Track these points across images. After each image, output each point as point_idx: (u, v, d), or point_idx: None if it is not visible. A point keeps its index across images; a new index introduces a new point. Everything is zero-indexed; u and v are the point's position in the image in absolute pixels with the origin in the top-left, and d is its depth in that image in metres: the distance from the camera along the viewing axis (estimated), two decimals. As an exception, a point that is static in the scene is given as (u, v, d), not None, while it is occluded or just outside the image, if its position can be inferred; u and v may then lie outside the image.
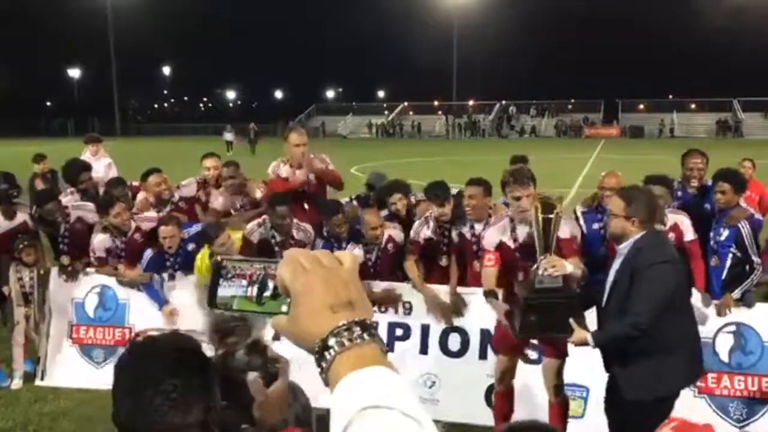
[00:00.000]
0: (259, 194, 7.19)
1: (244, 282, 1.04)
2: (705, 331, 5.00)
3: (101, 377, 6.28)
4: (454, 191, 5.95)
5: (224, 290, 1.05)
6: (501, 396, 4.93)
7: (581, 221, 5.82)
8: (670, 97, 72.78)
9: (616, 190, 5.64)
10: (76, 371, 6.41)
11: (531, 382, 5.01)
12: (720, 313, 5.10)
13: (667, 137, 57.77)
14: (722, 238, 5.39)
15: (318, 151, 7.01)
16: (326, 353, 0.88)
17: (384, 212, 6.11)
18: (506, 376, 4.85)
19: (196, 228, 6.22)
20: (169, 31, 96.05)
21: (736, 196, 5.47)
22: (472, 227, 5.57)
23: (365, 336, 0.89)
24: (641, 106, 68.69)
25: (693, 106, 66.71)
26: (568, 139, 56.38)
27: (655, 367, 3.75)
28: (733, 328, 5.12)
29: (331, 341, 0.88)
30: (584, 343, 3.89)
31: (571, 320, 3.96)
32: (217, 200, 6.94)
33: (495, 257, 4.55)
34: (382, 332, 5.70)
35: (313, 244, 5.83)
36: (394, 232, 5.83)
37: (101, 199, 6.60)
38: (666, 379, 3.78)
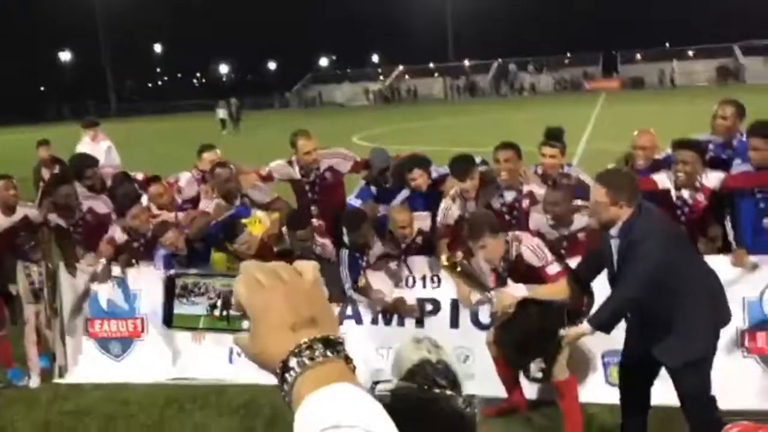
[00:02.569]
0: (260, 196, 6.37)
1: (209, 300, 1.00)
2: (750, 290, 4.79)
3: (121, 371, 6.13)
4: (478, 160, 5.69)
5: (185, 308, 1.01)
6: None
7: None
8: (667, 45, 71.84)
9: (649, 148, 5.42)
10: (96, 366, 6.23)
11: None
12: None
13: (668, 87, 57.17)
14: None
15: (317, 125, 6.74)
16: (287, 375, 0.83)
17: (404, 192, 5.79)
18: None
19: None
20: (158, 9, 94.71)
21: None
22: (501, 196, 5.31)
23: (329, 353, 0.84)
24: (639, 57, 67.87)
25: (691, 53, 65.89)
26: (569, 95, 55.75)
27: (682, 332, 3.72)
28: (781, 283, 4.86)
29: (292, 362, 0.83)
30: (581, 335, 3.99)
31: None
32: (210, 205, 6.24)
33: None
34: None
35: (338, 258, 5.49)
36: (423, 223, 5.53)
37: (117, 203, 6.29)
38: (696, 342, 3.76)
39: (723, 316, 3.97)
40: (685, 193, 5.08)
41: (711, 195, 5.03)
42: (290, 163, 6.43)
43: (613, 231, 3.78)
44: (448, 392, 1.61)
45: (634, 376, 4.10)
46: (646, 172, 5.29)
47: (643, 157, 5.50)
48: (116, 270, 6.14)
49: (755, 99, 6.42)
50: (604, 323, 3.84)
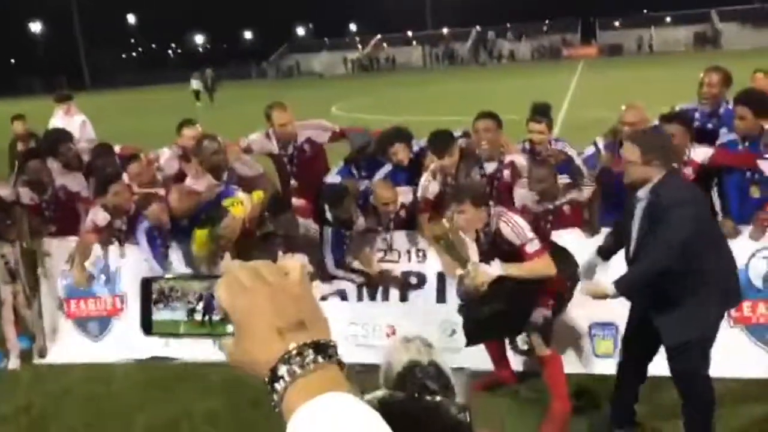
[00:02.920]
0: (246, 170, 6.21)
1: (188, 304, 0.94)
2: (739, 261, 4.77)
3: (100, 351, 6.04)
4: (458, 133, 5.60)
5: (164, 314, 0.95)
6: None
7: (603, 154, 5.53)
8: (645, 11, 71.81)
9: (637, 124, 5.34)
10: (75, 346, 6.12)
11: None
12: (755, 237, 4.83)
13: (646, 53, 57.26)
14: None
15: (297, 95, 6.61)
16: (276, 384, 0.79)
17: (387, 167, 5.69)
18: None
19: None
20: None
21: (758, 120, 4.92)
22: (481, 167, 5.24)
23: (320, 359, 0.79)
24: (617, 24, 67.80)
25: (669, 19, 65.94)
26: (547, 62, 55.59)
27: (686, 310, 3.66)
28: (766, 253, 4.86)
29: (282, 370, 0.79)
30: (603, 296, 3.84)
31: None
32: (199, 183, 5.96)
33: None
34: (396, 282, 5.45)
35: (321, 235, 5.38)
36: (406, 197, 5.43)
37: (97, 179, 6.09)
38: (698, 322, 3.70)
39: (731, 299, 3.94)
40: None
41: (698, 169, 4.97)
42: (268, 136, 6.31)
43: (641, 192, 3.67)
44: (440, 399, 1.53)
45: (635, 347, 4.05)
46: None
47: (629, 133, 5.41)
48: (96, 249, 6.00)
49: (732, 64, 6.40)
50: (629, 287, 3.74)
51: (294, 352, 0.79)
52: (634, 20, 66.83)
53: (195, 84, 35.75)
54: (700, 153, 4.98)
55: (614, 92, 22.72)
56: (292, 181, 6.30)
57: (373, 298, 5.49)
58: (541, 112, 5.53)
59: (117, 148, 6.86)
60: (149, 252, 5.61)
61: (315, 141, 6.33)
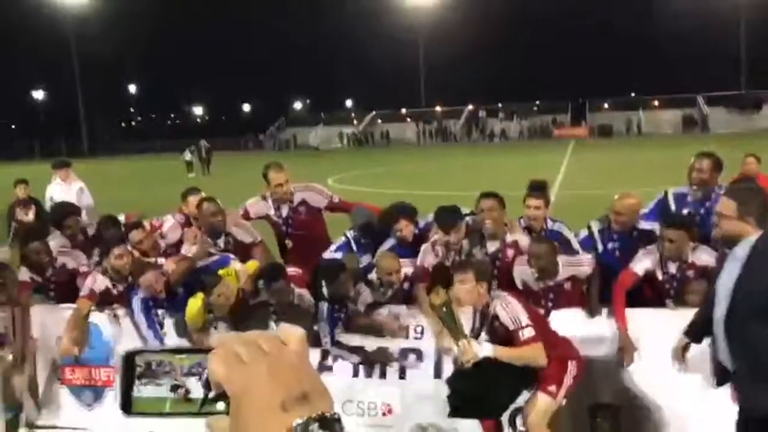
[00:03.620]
0: (244, 235, 6.21)
1: (175, 380, 0.81)
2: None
3: (91, 420, 5.91)
4: (466, 210, 5.69)
5: (149, 390, 0.84)
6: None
7: (597, 239, 5.60)
8: (633, 94, 73.77)
9: (627, 215, 5.38)
10: (67, 413, 5.97)
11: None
12: None
13: (635, 134, 58.43)
14: None
15: (293, 166, 6.73)
16: None
17: (390, 241, 5.73)
18: None
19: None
20: (133, 49, 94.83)
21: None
22: (483, 246, 5.30)
23: None
24: (607, 105, 69.45)
25: (657, 102, 67.65)
26: (538, 141, 56.62)
27: None
28: None
29: None
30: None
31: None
32: (189, 249, 6.05)
33: None
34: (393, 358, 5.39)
35: (316, 310, 5.34)
36: (409, 270, 5.44)
37: (100, 248, 6.07)
38: None
39: None
40: (672, 267, 5.02)
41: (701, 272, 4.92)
42: (264, 198, 6.38)
43: (741, 251, 3.38)
44: None
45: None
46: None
47: (619, 222, 5.45)
48: (92, 316, 5.95)
49: (719, 147, 6.55)
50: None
51: (299, 428, 0.73)
52: (623, 102, 68.54)
53: (188, 156, 36.08)
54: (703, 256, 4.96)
55: (605, 173, 23.17)
56: (288, 242, 6.31)
57: (369, 375, 5.43)
58: (539, 188, 5.62)
59: (121, 217, 6.92)
60: (144, 323, 5.57)
61: (311, 204, 6.37)
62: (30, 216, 9.44)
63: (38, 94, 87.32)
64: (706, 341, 3.80)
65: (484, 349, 4.19)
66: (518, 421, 4.90)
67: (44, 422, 5.96)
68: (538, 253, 4.94)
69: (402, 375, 5.36)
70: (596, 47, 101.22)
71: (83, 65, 74.28)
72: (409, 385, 5.30)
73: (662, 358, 4.75)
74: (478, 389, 4.25)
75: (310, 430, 0.73)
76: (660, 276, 5.04)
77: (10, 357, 5.92)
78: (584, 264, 5.17)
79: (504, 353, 4.20)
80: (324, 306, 5.31)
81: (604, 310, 5.02)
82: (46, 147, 62.81)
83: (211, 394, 0.81)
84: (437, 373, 5.30)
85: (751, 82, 68.44)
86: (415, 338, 5.38)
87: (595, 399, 4.95)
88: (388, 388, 5.36)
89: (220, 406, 0.79)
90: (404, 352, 5.36)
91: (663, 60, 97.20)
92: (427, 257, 5.39)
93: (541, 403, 4.36)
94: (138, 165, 45.11)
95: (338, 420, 0.76)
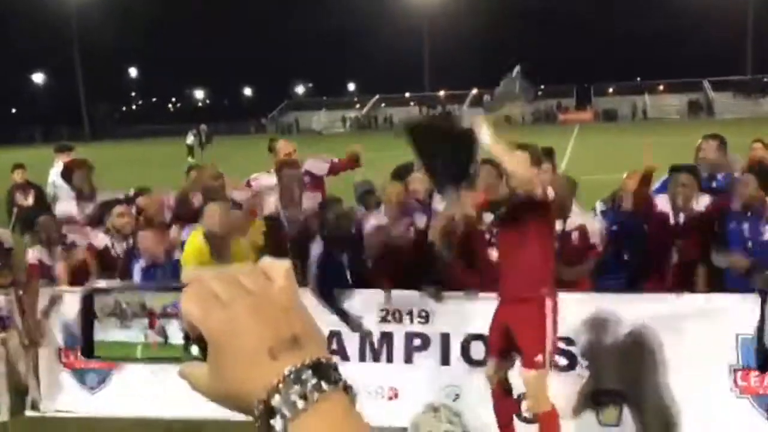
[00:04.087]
0: (241, 195, 6.34)
1: (145, 320, 0.73)
2: (743, 327, 4.74)
3: (96, 404, 5.90)
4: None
5: (116, 334, 0.74)
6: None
7: (598, 217, 5.58)
8: (638, 79, 73.40)
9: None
10: (70, 398, 5.98)
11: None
12: None
13: (640, 119, 58.19)
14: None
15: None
16: (273, 422, 0.62)
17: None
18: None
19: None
20: (134, 32, 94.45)
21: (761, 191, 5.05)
22: None
23: (323, 385, 0.63)
24: (612, 90, 69.14)
25: (662, 87, 67.33)
26: (543, 126, 56.40)
27: None
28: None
29: (277, 401, 0.62)
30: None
31: None
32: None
33: None
34: (399, 343, 5.36)
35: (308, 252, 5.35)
36: (420, 220, 5.45)
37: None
38: None
39: None
40: (681, 217, 5.21)
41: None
42: (269, 172, 6.47)
43: None
44: None
45: None
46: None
47: (629, 200, 5.48)
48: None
49: (725, 132, 6.58)
50: None
51: (291, 377, 0.63)
52: (628, 87, 68.20)
53: (190, 139, 35.44)
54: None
55: (611, 156, 23.06)
56: None
57: (376, 359, 5.40)
58: (547, 154, 5.62)
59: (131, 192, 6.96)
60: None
61: (315, 174, 6.58)
62: (30, 200, 9.41)
63: (38, 79, 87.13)
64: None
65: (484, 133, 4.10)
66: (524, 406, 4.87)
67: (47, 407, 5.96)
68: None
69: (408, 359, 5.33)
70: (601, 31, 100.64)
71: (84, 50, 74.11)
72: (416, 370, 5.27)
73: (667, 344, 4.75)
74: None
75: (303, 380, 0.63)
76: (672, 221, 5.20)
77: (17, 340, 5.91)
78: (596, 226, 5.20)
79: (496, 150, 4.10)
80: (317, 246, 5.27)
81: (610, 297, 5.01)
82: (48, 132, 62.69)
83: (176, 341, 0.71)
84: (444, 360, 5.27)
85: (756, 66, 67.98)
86: (420, 323, 5.34)
87: (599, 385, 4.93)
88: (395, 371, 5.33)
89: (195, 350, 0.69)
90: (409, 337, 5.33)
91: (669, 45, 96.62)
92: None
93: (533, 380, 4.28)
94: (139, 149, 45.02)
95: (335, 367, 0.66)
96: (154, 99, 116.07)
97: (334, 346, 5.43)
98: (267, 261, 0.70)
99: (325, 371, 0.64)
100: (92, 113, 77.75)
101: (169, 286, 0.73)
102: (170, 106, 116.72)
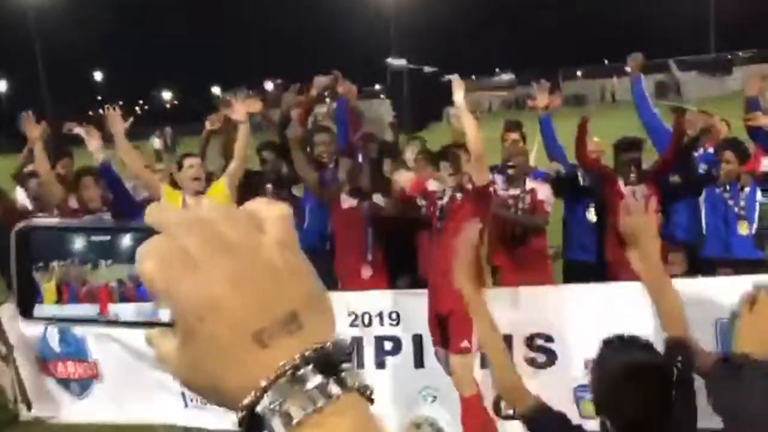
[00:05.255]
0: None
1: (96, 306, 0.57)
2: (722, 311, 4.62)
3: (82, 409, 5.78)
4: None
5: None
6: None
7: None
8: (606, 61, 73.88)
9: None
10: (58, 403, 5.86)
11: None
12: None
13: (609, 102, 58.59)
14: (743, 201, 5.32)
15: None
16: None
17: None
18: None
19: None
20: (98, 35, 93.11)
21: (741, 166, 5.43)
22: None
23: (331, 386, 0.46)
24: (579, 74, 69.54)
25: (628, 69, 67.82)
26: (512, 111, 56.53)
27: None
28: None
29: (266, 408, 0.44)
30: None
31: None
32: None
33: None
34: (368, 349, 5.14)
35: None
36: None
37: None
38: None
39: None
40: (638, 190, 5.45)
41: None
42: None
43: None
44: None
45: None
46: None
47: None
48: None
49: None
50: None
51: (288, 373, 0.45)
52: (596, 70, 68.59)
53: (157, 143, 33.16)
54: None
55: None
56: None
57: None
58: (516, 125, 6.55)
59: None
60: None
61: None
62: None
63: (1, 84, 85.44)
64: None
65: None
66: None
67: (37, 411, 5.84)
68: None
69: (380, 364, 5.13)
70: (566, 14, 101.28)
71: (46, 52, 72.77)
72: (389, 374, 5.08)
73: (645, 332, 4.61)
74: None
75: (304, 379, 0.45)
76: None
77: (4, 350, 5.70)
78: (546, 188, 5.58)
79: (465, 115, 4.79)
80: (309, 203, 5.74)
81: (585, 288, 4.89)
82: (11, 140, 61.53)
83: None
84: (418, 362, 5.09)
85: (719, 44, 68.83)
86: (391, 325, 5.13)
87: (579, 380, 4.79)
88: (367, 377, 5.14)
89: (162, 314, 0.51)
90: (380, 341, 5.12)
91: (633, 24, 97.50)
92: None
93: (459, 365, 4.47)
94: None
95: (347, 355, 0.49)
96: (120, 102, 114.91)
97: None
98: (258, 203, 0.49)
99: (333, 365, 0.47)
100: (57, 118, 76.41)
101: (129, 226, 0.52)
102: (137, 108, 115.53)
